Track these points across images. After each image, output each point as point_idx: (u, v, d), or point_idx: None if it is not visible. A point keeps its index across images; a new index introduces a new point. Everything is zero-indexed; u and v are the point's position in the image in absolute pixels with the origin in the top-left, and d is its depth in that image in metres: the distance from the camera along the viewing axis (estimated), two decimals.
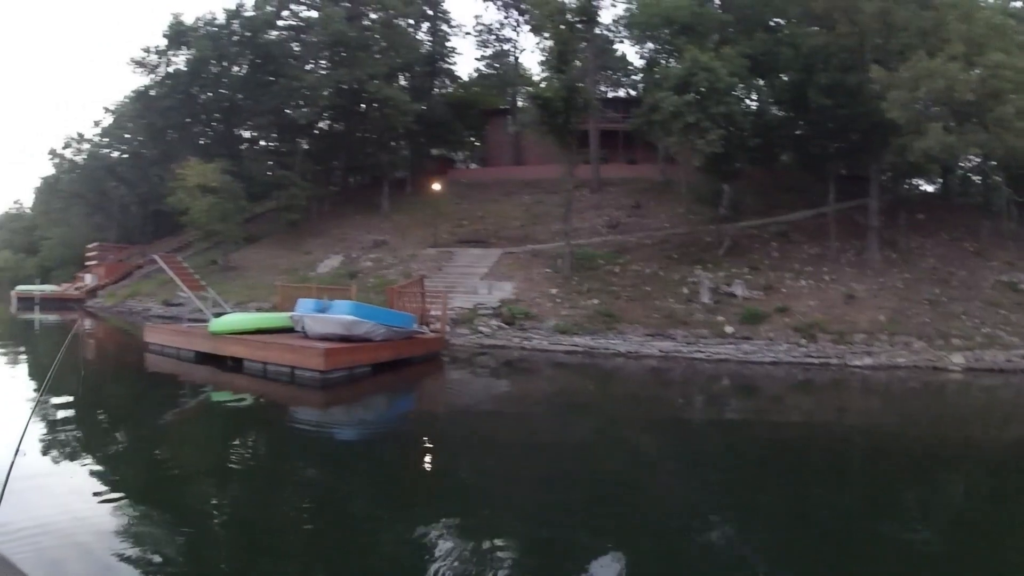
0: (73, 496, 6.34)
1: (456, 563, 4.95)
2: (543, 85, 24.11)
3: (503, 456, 8.79)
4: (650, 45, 29.87)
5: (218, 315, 16.36)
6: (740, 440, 10.08)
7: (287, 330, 14.96)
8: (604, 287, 22.33)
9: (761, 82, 25.41)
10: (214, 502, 6.87)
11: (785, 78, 24.84)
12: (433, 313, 17.07)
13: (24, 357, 18.33)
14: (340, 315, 13.45)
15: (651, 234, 27.23)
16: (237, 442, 9.67)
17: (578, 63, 26.23)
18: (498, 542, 5.60)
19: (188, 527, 5.92)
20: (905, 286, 20.81)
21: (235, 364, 13.88)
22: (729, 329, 19.64)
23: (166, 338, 16.52)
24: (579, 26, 27.45)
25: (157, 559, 4.93)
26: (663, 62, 27.04)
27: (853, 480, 8.12)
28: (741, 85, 23.25)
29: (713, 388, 15.10)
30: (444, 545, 5.44)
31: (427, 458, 8.93)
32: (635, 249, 25.57)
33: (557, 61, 23.56)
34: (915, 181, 29.47)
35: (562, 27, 24.53)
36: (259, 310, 22.51)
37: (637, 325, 19.99)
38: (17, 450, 3.08)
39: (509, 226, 30.36)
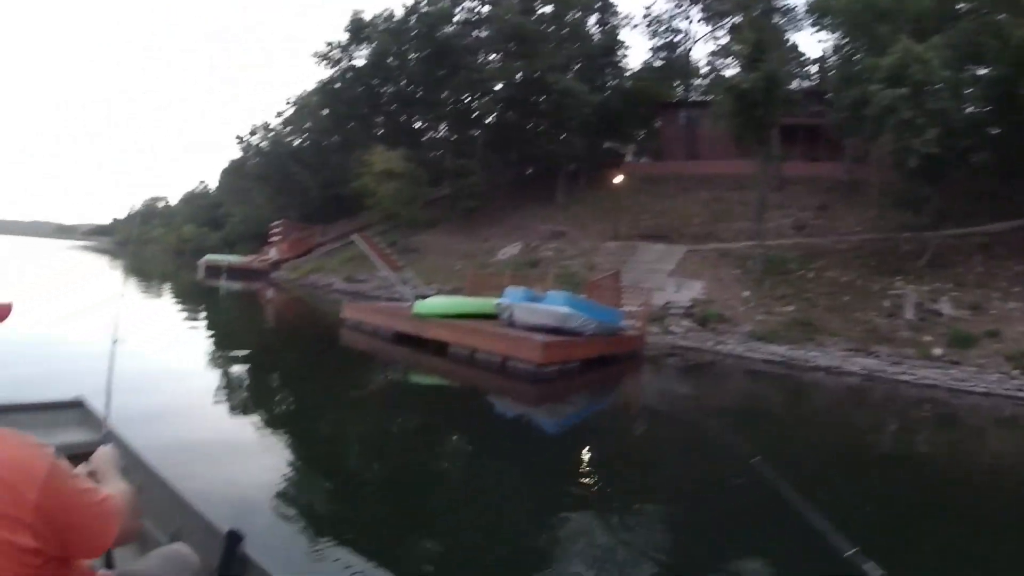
0: (237, 445, 6.94)
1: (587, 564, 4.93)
2: (743, 76, 22.86)
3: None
4: (838, 34, 27.55)
5: (421, 297, 16.74)
6: (918, 480, 8.70)
7: (490, 316, 14.76)
8: (798, 293, 20.90)
9: (967, 76, 22.54)
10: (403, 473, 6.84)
11: (989, 72, 21.83)
12: (628, 309, 16.60)
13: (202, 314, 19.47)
14: (555, 307, 13.20)
15: (842, 238, 25.22)
16: (439, 425, 9.59)
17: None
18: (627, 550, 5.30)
19: (345, 491, 6.03)
20: None
21: (438, 348, 13.75)
22: (937, 351, 17.55)
23: (365, 315, 16.73)
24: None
25: (293, 510, 5.11)
26: (852, 53, 24.83)
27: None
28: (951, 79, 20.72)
29: (913, 417, 13.31)
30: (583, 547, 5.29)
31: (641, 472, 8.08)
32: (827, 254, 23.78)
33: (753, 51, 22.24)
34: None
35: (757, 14, 23.27)
36: (439, 292, 23.14)
37: (837, 338, 18.50)
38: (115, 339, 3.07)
39: (690, 223, 29.29)
